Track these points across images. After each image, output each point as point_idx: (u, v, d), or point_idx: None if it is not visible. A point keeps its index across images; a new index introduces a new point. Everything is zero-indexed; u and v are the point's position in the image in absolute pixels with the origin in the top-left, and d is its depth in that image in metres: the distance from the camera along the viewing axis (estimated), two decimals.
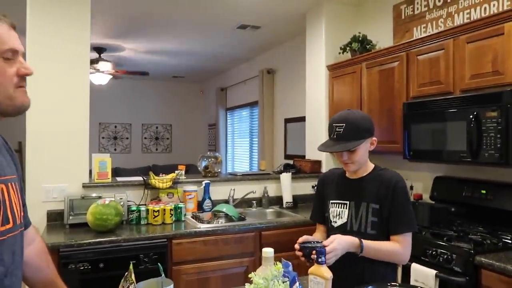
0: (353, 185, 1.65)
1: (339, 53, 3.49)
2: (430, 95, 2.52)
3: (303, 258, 1.47)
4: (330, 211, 1.69)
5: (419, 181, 3.01)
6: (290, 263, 1.10)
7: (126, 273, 1.04)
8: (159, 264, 1.13)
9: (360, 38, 3.30)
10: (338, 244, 1.42)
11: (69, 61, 2.77)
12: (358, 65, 3.18)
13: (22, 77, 0.96)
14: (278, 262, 1.07)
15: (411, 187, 2.92)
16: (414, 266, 2.10)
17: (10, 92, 0.93)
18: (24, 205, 1.10)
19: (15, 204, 1.01)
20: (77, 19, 2.79)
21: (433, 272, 2.00)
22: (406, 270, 2.09)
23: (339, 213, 1.65)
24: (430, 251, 2.11)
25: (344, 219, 1.62)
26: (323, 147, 1.62)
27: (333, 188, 1.72)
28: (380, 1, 3.44)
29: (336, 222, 1.65)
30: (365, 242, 1.48)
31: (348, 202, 1.63)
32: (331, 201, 1.70)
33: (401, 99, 2.74)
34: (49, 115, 2.70)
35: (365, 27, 3.56)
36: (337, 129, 1.56)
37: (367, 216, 1.57)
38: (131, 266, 1.09)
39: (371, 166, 1.67)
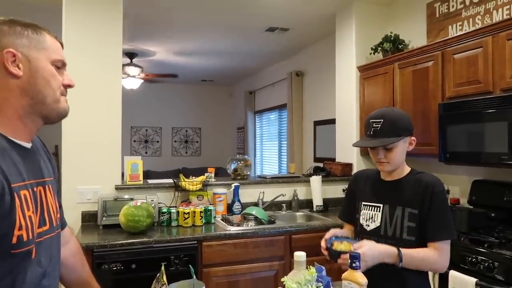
0: (388, 188, 1.58)
1: (370, 53, 3.42)
2: (468, 95, 2.42)
3: (328, 258, 1.40)
4: (361, 213, 1.61)
5: (456, 185, 2.89)
6: (323, 268, 1.07)
7: (158, 274, 1.04)
8: (190, 266, 1.13)
9: (392, 38, 3.22)
10: (370, 251, 1.34)
11: (102, 67, 2.84)
12: (390, 65, 3.10)
13: (65, 87, 1.04)
14: (311, 266, 1.04)
15: (448, 191, 2.81)
16: (453, 274, 2.01)
17: (57, 96, 1.00)
18: (60, 206, 1.12)
19: (52, 206, 1.03)
20: (109, 26, 2.86)
21: (473, 280, 1.91)
22: (444, 277, 2.01)
23: (371, 216, 1.58)
24: (470, 258, 2.01)
25: (377, 223, 1.55)
26: (358, 143, 1.56)
27: (366, 190, 1.65)
28: None
29: (368, 225, 1.57)
30: (403, 251, 1.40)
31: (381, 205, 1.56)
32: (363, 203, 1.62)
33: (436, 100, 2.65)
34: (84, 119, 2.77)
35: (396, 26, 3.47)
36: (374, 125, 1.49)
37: (402, 221, 1.49)
38: (162, 268, 1.09)
39: (407, 168, 1.59)
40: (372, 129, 1.50)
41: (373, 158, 1.58)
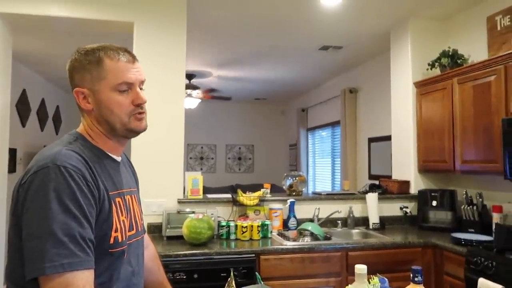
0: None
1: (427, 69, 3.38)
2: None
3: None
4: None
5: None
6: (386, 279, 1.10)
7: (229, 279, 1.13)
8: (256, 273, 1.21)
9: (450, 53, 3.17)
10: None
11: (168, 90, 3.05)
12: (449, 80, 3.04)
13: (138, 106, 1.07)
14: (374, 277, 1.08)
15: None
16: None
17: (125, 121, 1.06)
18: (141, 213, 1.25)
19: (137, 213, 1.16)
20: (175, 51, 3.08)
21: None
22: None
23: None
24: None
25: None
26: None
27: None
28: (471, 13, 3.29)
29: None
30: None
31: None
32: None
33: (499, 115, 2.57)
34: (150, 138, 2.98)
35: (454, 41, 3.41)
36: None
37: None
38: (232, 273, 1.18)
39: None
40: None
41: None
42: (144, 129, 1.11)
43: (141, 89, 1.10)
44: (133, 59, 1.09)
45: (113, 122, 1.05)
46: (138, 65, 1.10)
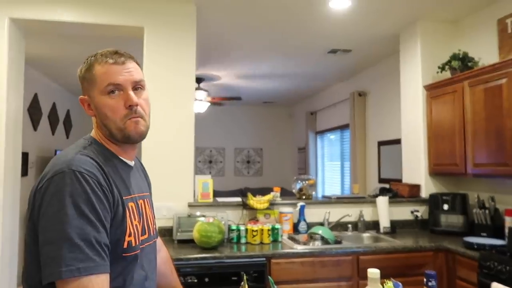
0: None
1: (437, 72, 3.36)
2: None
3: None
4: None
5: None
6: (400, 284, 1.10)
7: (242, 282, 1.13)
8: (270, 277, 1.21)
9: (460, 56, 3.15)
10: None
11: (178, 94, 3.08)
12: (459, 83, 3.02)
13: (130, 108, 1.03)
14: (388, 281, 1.07)
15: None
16: None
17: (119, 124, 1.04)
18: (154, 218, 1.26)
19: (150, 217, 1.17)
20: (184, 54, 3.11)
21: None
22: None
23: None
24: None
25: None
26: None
27: None
28: (481, 16, 3.26)
29: None
30: None
31: None
32: None
33: (511, 118, 2.54)
34: (161, 141, 3.01)
35: (464, 44, 3.39)
36: None
37: None
38: (245, 277, 1.18)
39: None
40: None
41: None
42: (141, 135, 1.07)
43: (137, 89, 1.07)
44: (124, 59, 1.06)
45: (109, 127, 1.05)
46: (131, 66, 1.06)
